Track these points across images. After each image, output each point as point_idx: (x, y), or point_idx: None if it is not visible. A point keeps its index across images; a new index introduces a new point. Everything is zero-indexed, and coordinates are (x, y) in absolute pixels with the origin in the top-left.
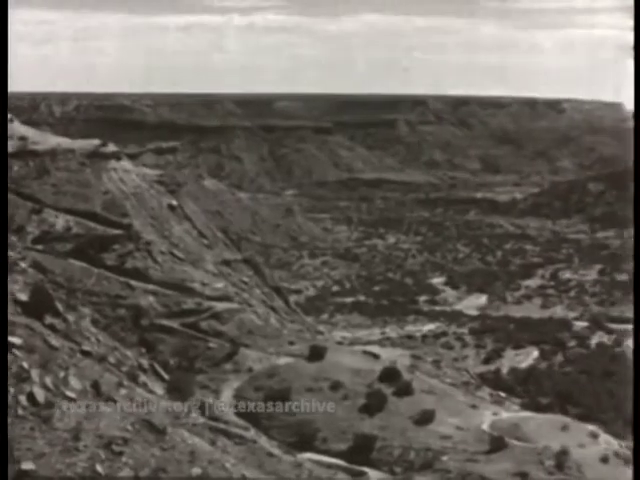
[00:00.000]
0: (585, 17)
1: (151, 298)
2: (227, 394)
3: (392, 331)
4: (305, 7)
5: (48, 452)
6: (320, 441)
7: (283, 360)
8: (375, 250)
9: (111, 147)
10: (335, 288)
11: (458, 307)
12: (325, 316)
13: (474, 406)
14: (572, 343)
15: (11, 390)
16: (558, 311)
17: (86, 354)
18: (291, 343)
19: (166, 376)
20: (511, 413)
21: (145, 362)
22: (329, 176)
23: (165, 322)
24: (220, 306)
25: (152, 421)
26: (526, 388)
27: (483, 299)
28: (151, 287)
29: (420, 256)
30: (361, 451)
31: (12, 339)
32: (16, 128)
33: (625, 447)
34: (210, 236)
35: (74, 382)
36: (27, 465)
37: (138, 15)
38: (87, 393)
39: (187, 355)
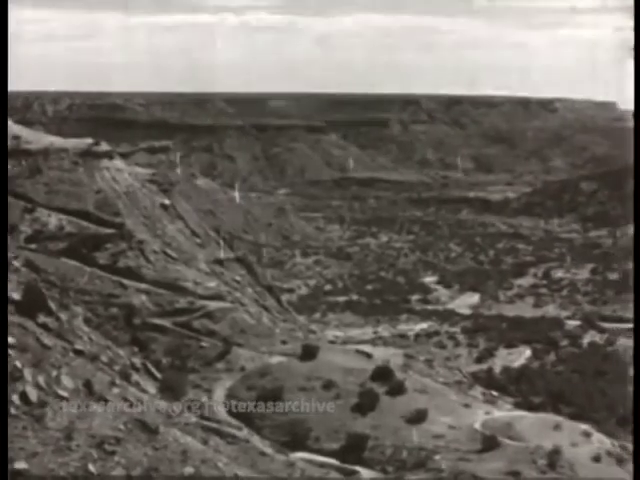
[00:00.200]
0: (578, 17)
1: (144, 297)
2: (220, 393)
3: (385, 330)
4: (298, 7)
5: (41, 451)
6: (313, 440)
7: (275, 359)
8: (367, 249)
9: (104, 146)
10: (327, 287)
11: (450, 306)
12: (317, 315)
13: (467, 405)
14: (564, 342)
15: None
16: (550, 310)
17: (79, 353)
18: (283, 342)
19: (159, 375)
20: (503, 412)
21: (138, 361)
22: (322, 175)
23: (158, 321)
24: (212, 305)
25: (145, 420)
26: (518, 387)
27: (475, 298)
28: (144, 286)
29: (412, 255)
30: (353, 450)
31: None
32: (9, 127)
33: (618, 446)
34: (202, 235)
35: (67, 381)
36: (20, 465)
37: (132, 14)
38: (79, 392)
39: (180, 354)
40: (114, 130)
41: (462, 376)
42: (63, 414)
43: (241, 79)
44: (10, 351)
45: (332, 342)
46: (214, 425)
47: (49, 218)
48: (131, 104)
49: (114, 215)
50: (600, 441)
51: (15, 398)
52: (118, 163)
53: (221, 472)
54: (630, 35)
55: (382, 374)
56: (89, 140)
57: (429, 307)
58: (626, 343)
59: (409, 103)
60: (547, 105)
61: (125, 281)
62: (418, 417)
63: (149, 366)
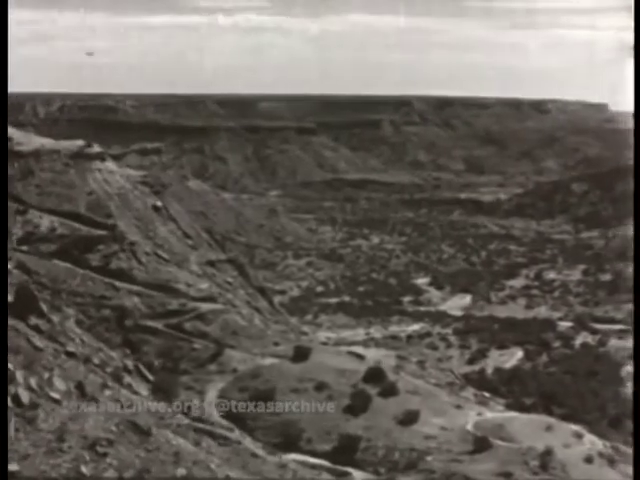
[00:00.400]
0: (570, 17)
1: (136, 299)
2: (212, 395)
3: (376, 332)
4: (289, 8)
5: (33, 453)
6: (305, 442)
7: (267, 361)
8: (359, 251)
9: (95, 148)
10: (319, 288)
11: (442, 307)
12: (309, 317)
13: (458, 406)
14: (556, 343)
15: None
16: (542, 311)
17: (70, 355)
18: (275, 344)
19: (151, 377)
20: (495, 413)
21: (130, 363)
22: (313, 177)
23: (150, 323)
24: (204, 307)
25: (137, 422)
26: (510, 388)
27: (467, 299)
28: (136, 288)
29: (404, 256)
30: (345, 451)
31: None
32: None
33: (609, 447)
34: (194, 237)
35: (58, 383)
36: (12, 466)
37: (123, 15)
38: (71, 394)
39: (172, 356)
40: (106, 132)
41: (454, 377)
42: (55, 416)
43: (231, 80)
44: None
45: (324, 343)
46: (206, 427)
47: (41, 220)
48: (123, 105)
49: (106, 217)
50: (592, 442)
51: (7, 400)
52: (110, 165)
53: (213, 473)
54: (621, 36)
55: (374, 375)
56: (81, 142)
57: (421, 308)
58: (618, 344)
59: (401, 104)
60: (539, 106)
61: (117, 283)
62: (410, 418)
63: (141, 368)
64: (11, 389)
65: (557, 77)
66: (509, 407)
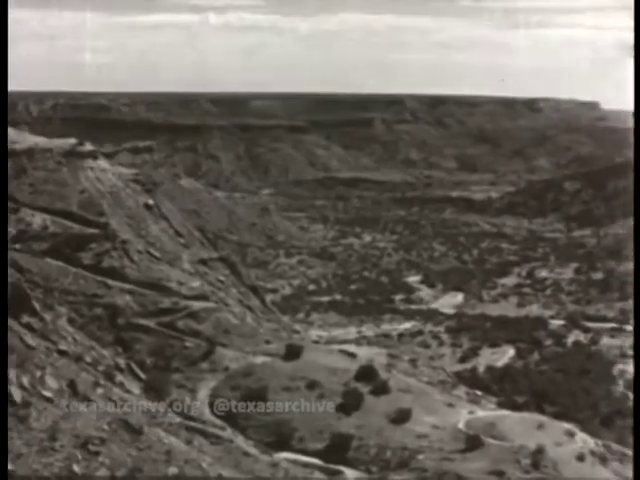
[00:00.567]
0: (562, 17)
1: (128, 297)
2: (203, 393)
3: (368, 330)
4: (281, 6)
5: (25, 452)
6: (297, 440)
7: (259, 359)
8: (351, 249)
9: (88, 146)
10: (311, 287)
11: (434, 306)
12: (301, 315)
13: (450, 405)
14: (548, 342)
15: None
16: (534, 310)
17: (63, 353)
18: (267, 342)
19: (143, 375)
20: (487, 412)
21: (122, 361)
22: (305, 175)
23: (142, 321)
24: (196, 305)
25: (129, 421)
26: (502, 387)
27: (459, 298)
28: (128, 286)
29: (396, 255)
30: (337, 450)
31: None
32: None
33: (601, 445)
34: (186, 235)
35: (51, 381)
36: None
37: (115, 14)
38: (64, 392)
39: (163, 354)
40: (98, 130)
41: (446, 375)
42: (47, 414)
43: (224, 79)
44: None
45: (316, 342)
46: (198, 425)
47: (33, 218)
48: (115, 104)
49: (98, 215)
50: (584, 440)
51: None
52: (102, 163)
53: (205, 472)
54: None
55: (366, 374)
56: (73, 140)
57: (413, 307)
58: (610, 342)
59: (393, 103)
60: (531, 105)
61: (109, 281)
62: (402, 417)
63: (133, 366)
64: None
65: (548, 76)
66: (501, 405)
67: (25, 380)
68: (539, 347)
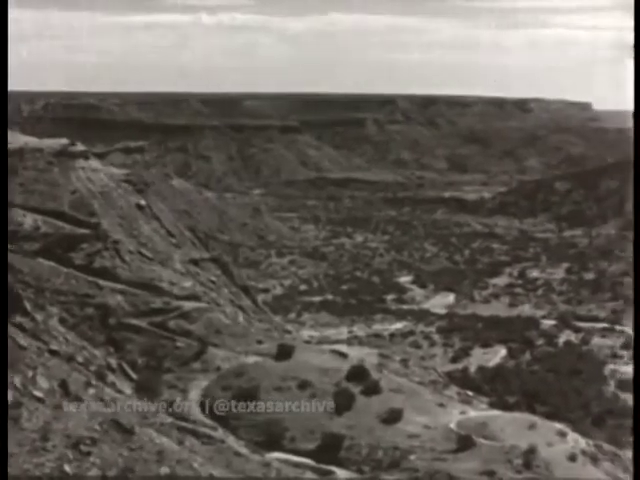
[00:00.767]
0: (555, 17)
1: (119, 297)
2: (195, 393)
3: (360, 330)
4: (272, 6)
5: (16, 452)
6: (288, 440)
7: (251, 359)
8: (343, 249)
9: (79, 146)
10: (303, 287)
11: (426, 306)
12: (293, 315)
13: (442, 405)
14: (540, 342)
15: None
16: (526, 309)
17: (54, 353)
18: (259, 342)
19: (134, 375)
20: (479, 412)
21: (113, 361)
22: (297, 175)
23: (133, 321)
24: (188, 305)
25: (120, 421)
26: (494, 387)
27: (451, 298)
28: (119, 286)
29: (388, 255)
30: (329, 450)
31: None
32: None
33: (593, 445)
34: (178, 235)
35: (42, 382)
36: None
37: (107, 14)
38: (55, 393)
39: (155, 354)
40: (89, 130)
41: (437, 376)
42: (39, 415)
43: (215, 79)
44: None
45: (307, 342)
46: (189, 425)
47: (24, 218)
48: (106, 104)
49: (89, 215)
50: (575, 440)
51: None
52: (93, 163)
53: (196, 472)
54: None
55: (357, 374)
56: (64, 140)
57: (404, 307)
58: (601, 342)
59: (385, 103)
60: (522, 105)
61: (101, 281)
62: (393, 417)
63: (125, 366)
64: None
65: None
66: (492, 405)
67: (17, 380)
68: (530, 347)
